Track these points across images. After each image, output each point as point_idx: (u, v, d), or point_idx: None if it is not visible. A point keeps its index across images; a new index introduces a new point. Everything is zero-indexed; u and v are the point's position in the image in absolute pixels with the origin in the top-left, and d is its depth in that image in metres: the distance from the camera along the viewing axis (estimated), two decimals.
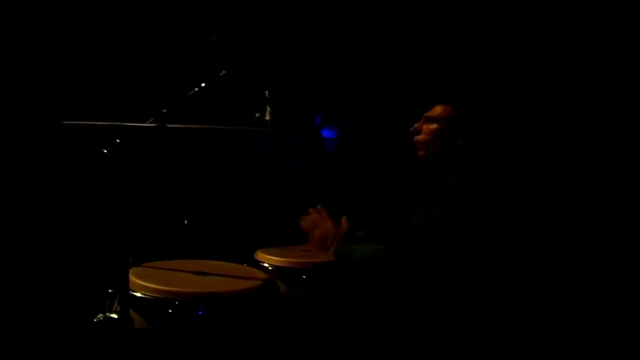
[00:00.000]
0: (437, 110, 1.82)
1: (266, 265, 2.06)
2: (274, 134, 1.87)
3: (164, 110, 1.65)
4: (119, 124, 1.51)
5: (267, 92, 1.81)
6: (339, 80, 2.83)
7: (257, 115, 1.78)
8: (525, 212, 1.74)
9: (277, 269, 2.03)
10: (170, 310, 1.53)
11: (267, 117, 1.77)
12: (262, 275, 1.81)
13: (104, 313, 1.47)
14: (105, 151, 1.47)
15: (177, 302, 1.53)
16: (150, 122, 1.57)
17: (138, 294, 1.54)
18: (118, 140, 1.48)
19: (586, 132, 2.20)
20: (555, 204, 2.13)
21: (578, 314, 2.04)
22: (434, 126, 1.81)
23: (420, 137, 1.85)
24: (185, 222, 2.56)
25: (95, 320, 1.45)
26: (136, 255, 1.68)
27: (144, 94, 2.55)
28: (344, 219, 2.06)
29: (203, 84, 1.73)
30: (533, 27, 2.28)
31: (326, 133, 2.75)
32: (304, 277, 2.01)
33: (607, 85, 2.16)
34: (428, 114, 1.84)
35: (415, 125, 1.86)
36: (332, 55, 2.81)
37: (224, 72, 1.76)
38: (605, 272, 2.10)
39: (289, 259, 2.05)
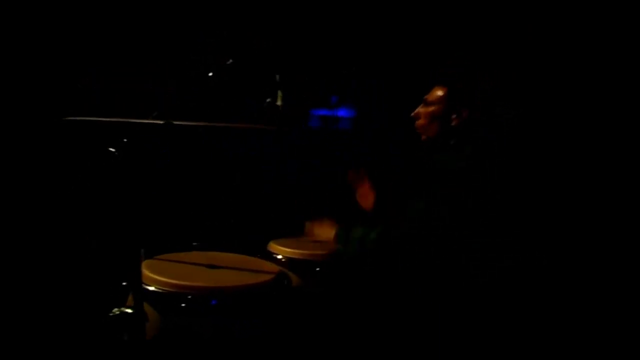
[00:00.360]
0: (434, 92, 1.88)
1: (279, 257, 2.03)
2: (276, 131, 1.86)
3: (170, 103, 1.65)
4: (128, 120, 1.51)
5: (277, 76, 1.80)
6: (339, 80, 2.85)
7: (268, 100, 1.77)
8: (525, 212, 1.76)
9: (290, 260, 2.00)
10: (183, 304, 1.53)
11: (279, 103, 1.76)
12: (275, 268, 1.80)
13: (119, 307, 1.46)
14: (112, 149, 1.47)
15: (190, 296, 1.53)
16: (154, 117, 1.57)
17: (151, 288, 1.55)
18: (125, 140, 1.48)
19: (586, 132, 2.23)
20: (555, 204, 2.16)
21: (578, 313, 2.06)
22: (431, 109, 1.87)
23: (419, 122, 1.91)
24: (199, 211, 2.54)
25: (110, 314, 1.44)
26: (148, 247, 1.67)
27: (144, 93, 2.55)
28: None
29: (210, 74, 1.74)
30: (533, 27, 2.32)
31: (342, 112, 2.76)
32: (317, 269, 1.99)
33: (606, 85, 2.20)
34: (426, 96, 1.90)
35: (416, 110, 1.92)
36: (332, 54, 2.83)
37: (230, 61, 1.77)
38: (604, 272, 2.13)
39: (302, 251, 2.01)
